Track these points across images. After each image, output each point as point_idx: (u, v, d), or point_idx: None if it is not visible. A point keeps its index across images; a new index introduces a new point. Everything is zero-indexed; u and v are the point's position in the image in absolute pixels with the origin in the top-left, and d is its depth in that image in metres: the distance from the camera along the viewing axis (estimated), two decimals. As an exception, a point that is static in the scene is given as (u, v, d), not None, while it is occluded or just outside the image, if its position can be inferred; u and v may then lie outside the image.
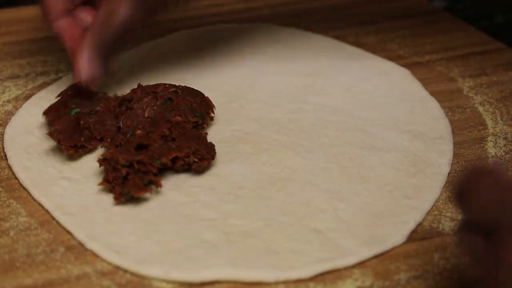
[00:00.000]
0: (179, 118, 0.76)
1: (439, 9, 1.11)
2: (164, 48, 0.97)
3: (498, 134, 0.82)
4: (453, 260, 0.66)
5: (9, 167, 0.76)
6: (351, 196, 0.72)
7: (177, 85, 0.80)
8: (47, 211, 0.70)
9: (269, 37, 1.00)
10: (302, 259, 0.64)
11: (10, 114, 0.84)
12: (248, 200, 0.71)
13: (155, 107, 0.78)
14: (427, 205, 0.71)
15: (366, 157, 0.77)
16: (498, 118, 0.85)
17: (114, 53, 0.80)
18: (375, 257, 0.66)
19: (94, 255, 0.66)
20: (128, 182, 0.70)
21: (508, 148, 0.80)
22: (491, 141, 0.81)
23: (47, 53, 0.97)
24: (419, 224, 0.69)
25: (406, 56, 0.97)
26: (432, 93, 0.89)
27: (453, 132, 0.82)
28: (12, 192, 0.73)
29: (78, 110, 0.78)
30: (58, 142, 0.75)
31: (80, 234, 0.67)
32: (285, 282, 0.63)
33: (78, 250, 0.66)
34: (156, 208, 0.70)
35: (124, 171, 0.69)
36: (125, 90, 0.82)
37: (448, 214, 0.71)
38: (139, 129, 0.75)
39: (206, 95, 0.81)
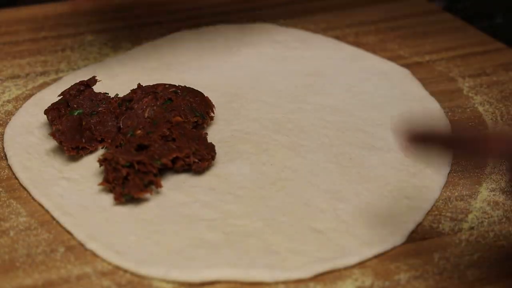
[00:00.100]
0: (179, 118, 0.76)
1: (439, 9, 1.11)
2: (164, 48, 0.97)
3: (498, 134, 0.82)
4: (453, 260, 0.66)
5: (9, 167, 0.76)
6: (351, 196, 0.72)
7: (177, 85, 0.80)
8: (47, 211, 0.70)
9: (269, 37, 1.00)
10: (302, 259, 0.64)
11: (10, 114, 0.84)
12: (248, 200, 0.71)
13: (155, 107, 0.78)
14: (427, 205, 0.71)
15: (366, 157, 0.77)
16: (498, 118, 0.85)
17: None
18: (375, 257, 0.66)
19: (94, 255, 0.66)
20: (129, 182, 0.70)
21: (508, 148, 0.80)
22: (491, 141, 0.81)
23: (47, 53, 0.97)
24: (419, 224, 0.69)
25: (406, 56, 0.97)
26: (432, 93, 0.89)
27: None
28: (12, 192, 0.73)
29: (81, 110, 0.78)
30: (60, 143, 0.75)
31: (80, 234, 0.67)
32: (285, 282, 0.63)
33: (78, 250, 0.66)
34: (156, 208, 0.70)
35: (124, 172, 0.69)
36: (125, 91, 0.82)
37: (448, 214, 0.71)
38: (139, 129, 0.75)
39: (206, 95, 0.81)
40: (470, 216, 0.71)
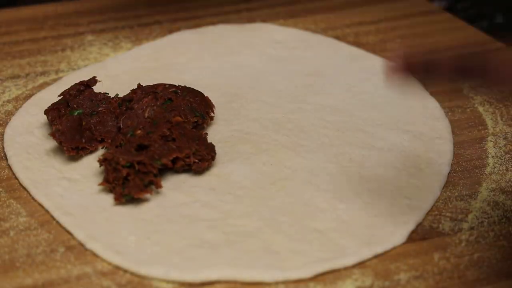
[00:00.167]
0: (179, 118, 0.76)
1: (439, 9, 1.11)
2: (164, 48, 0.97)
3: (498, 134, 0.82)
4: (453, 260, 0.66)
5: (9, 167, 0.76)
6: (351, 196, 0.72)
7: (177, 85, 0.80)
8: (47, 211, 0.70)
9: (269, 37, 1.00)
10: (302, 259, 0.64)
11: (10, 114, 0.84)
12: (248, 200, 0.71)
13: (155, 107, 0.78)
14: (427, 205, 0.71)
15: (366, 157, 0.77)
16: (498, 118, 0.85)
17: None
18: (375, 257, 0.66)
19: (94, 255, 0.66)
20: (129, 182, 0.70)
21: (508, 148, 0.80)
22: (491, 141, 0.81)
23: (47, 53, 0.97)
24: (419, 224, 0.69)
25: (406, 56, 0.97)
26: (432, 93, 0.88)
27: (453, 132, 0.82)
28: (12, 192, 0.73)
29: (81, 110, 0.78)
30: (60, 143, 0.75)
31: (80, 234, 0.67)
32: (285, 282, 0.63)
33: (78, 250, 0.66)
34: (156, 208, 0.70)
35: (124, 172, 0.69)
36: (125, 91, 0.82)
37: (448, 214, 0.71)
38: (139, 129, 0.75)
39: (206, 95, 0.81)
40: (470, 216, 0.71)
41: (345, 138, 0.80)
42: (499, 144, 0.81)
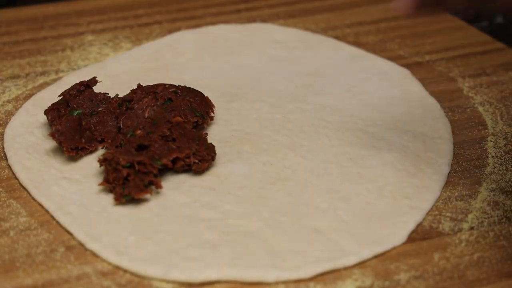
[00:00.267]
0: (179, 118, 0.76)
1: (439, 9, 1.11)
2: (164, 48, 0.97)
3: (498, 134, 0.82)
4: (453, 260, 0.66)
5: (9, 167, 0.76)
6: (351, 196, 0.72)
7: (177, 85, 0.80)
8: (47, 211, 0.70)
9: (269, 37, 1.00)
10: (302, 259, 0.64)
11: (10, 114, 0.84)
12: (248, 200, 0.71)
13: (155, 107, 0.78)
14: (427, 205, 0.71)
15: (366, 157, 0.77)
16: (498, 118, 0.85)
17: None
18: (375, 257, 0.66)
19: (94, 255, 0.66)
20: (129, 183, 0.70)
21: (508, 148, 0.80)
22: (491, 141, 0.81)
23: (47, 53, 0.97)
24: (419, 224, 0.69)
25: (406, 56, 0.97)
26: (432, 93, 0.89)
27: (453, 132, 0.82)
28: (12, 192, 0.73)
29: (80, 111, 0.78)
30: (59, 143, 0.75)
31: (80, 234, 0.67)
32: (285, 282, 0.63)
33: (78, 250, 0.66)
34: (156, 208, 0.70)
35: (125, 172, 0.69)
36: (125, 91, 0.82)
37: (448, 214, 0.71)
38: (139, 129, 0.75)
39: (206, 95, 0.81)
40: (470, 216, 0.71)
41: (345, 138, 0.80)
42: (499, 144, 0.81)
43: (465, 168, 0.77)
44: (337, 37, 1.01)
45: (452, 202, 0.72)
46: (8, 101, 0.87)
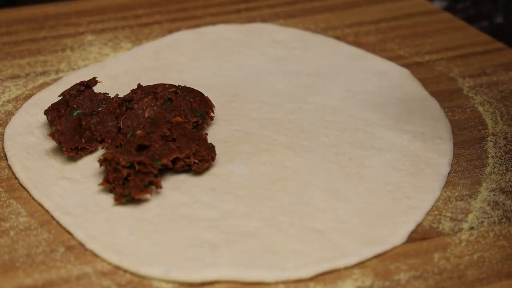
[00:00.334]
0: (179, 118, 0.76)
1: (439, 9, 1.11)
2: (164, 48, 0.97)
3: (498, 134, 0.82)
4: (453, 260, 0.66)
5: (9, 167, 0.76)
6: (351, 196, 0.72)
7: (177, 85, 0.80)
8: (47, 211, 0.70)
9: (269, 37, 1.00)
10: (302, 259, 0.64)
11: (10, 114, 0.84)
12: (248, 200, 0.71)
13: (155, 107, 0.78)
14: (427, 205, 0.71)
15: (366, 157, 0.77)
16: (498, 118, 0.85)
17: None
18: (375, 257, 0.66)
19: (94, 255, 0.66)
20: (129, 183, 0.70)
21: (508, 148, 0.80)
22: (491, 141, 0.81)
23: (47, 53, 0.97)
24: (419, 224, 0.69)
25: (406, 56, 0.97)
26: (432, 93, 0.89)
27: (453, 132, 0.82)
28: (12, 192, 0.73)
29: (80, 111, 0.78)
30: (59, 143, 0.75)
31: (80, 234, 0.67)
32: (285, 282, 0.63)
33: (78, 250, 0.66)
34: (156, 208, 0.70)
35: (125, 172, 0.69)
36: (125, 91, 0.82)
37: (448, 214, 0.71)
38: (140, 129, 0.75)
39: (206, 95, 0.81)
40: (470, 216, 0.71)
41: (345, 138, 0.80)
42: (499, 144, 0.81)
43: (465, 168, 0.77)
44: (337, 37, 1.01)
45: (452, 202, 0.72)
46: (8, 101, 0.87)
